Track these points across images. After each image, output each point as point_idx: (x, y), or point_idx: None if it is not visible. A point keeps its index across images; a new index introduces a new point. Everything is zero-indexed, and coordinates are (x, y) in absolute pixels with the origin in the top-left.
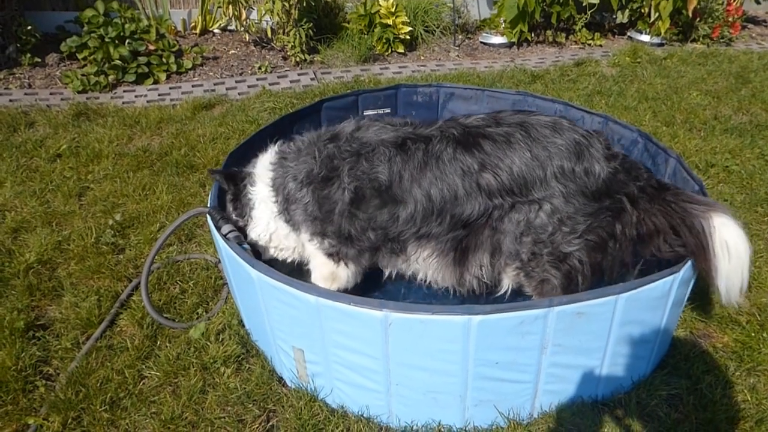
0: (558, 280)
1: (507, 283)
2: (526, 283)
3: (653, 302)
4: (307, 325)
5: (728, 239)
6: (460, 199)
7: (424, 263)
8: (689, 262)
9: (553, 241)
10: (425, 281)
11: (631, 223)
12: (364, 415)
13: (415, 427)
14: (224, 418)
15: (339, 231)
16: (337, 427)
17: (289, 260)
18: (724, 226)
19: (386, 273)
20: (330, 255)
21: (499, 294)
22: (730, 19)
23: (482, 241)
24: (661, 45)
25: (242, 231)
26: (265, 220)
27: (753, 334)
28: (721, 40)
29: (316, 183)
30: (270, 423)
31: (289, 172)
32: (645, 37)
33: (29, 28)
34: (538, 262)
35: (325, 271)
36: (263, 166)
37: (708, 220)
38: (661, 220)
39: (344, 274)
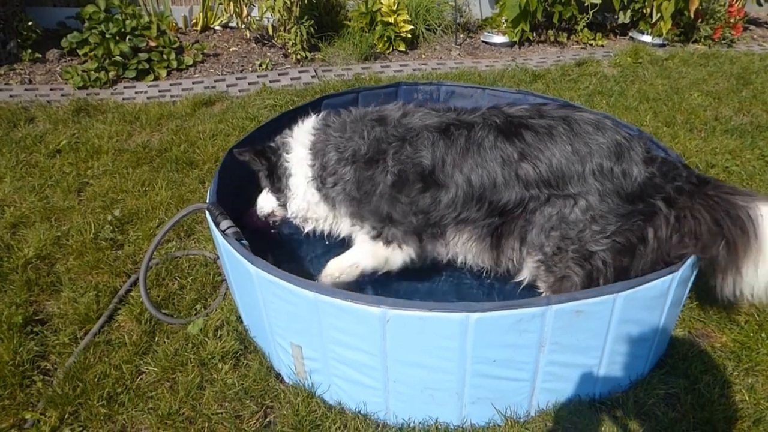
0: (579, 278)
1: (526, 274)
2: (544, 278)
3: (652, 301)
4: (305, 322)
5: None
6: (499, 187)
7: (463, 247)
8: (688, 261)
9: (581, 238)
10: (465, 264)
11: (666, 226)
12: (362, 412)
13: (412, 424)
14: (221, 413)
15: (377, 211)
16: (334, 424)
17: (326, 233)
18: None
19: (425, 259)
20: (375, 238)
21: (517, 281)
22: (732, 20)
23: (514, 230)
24: (662, 46)
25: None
26: (302, 188)
27: (751, 334)
28: (723, 42)
29: (360, 163)
30: (267, 419)
31: (331, 141)
32: (647, 38)
33: (30, 23)
34: (561, 258)
35: (378, 251)
36: (304, 130)
37: (754, 209)
38: (703, 214)
39: (398, 258)
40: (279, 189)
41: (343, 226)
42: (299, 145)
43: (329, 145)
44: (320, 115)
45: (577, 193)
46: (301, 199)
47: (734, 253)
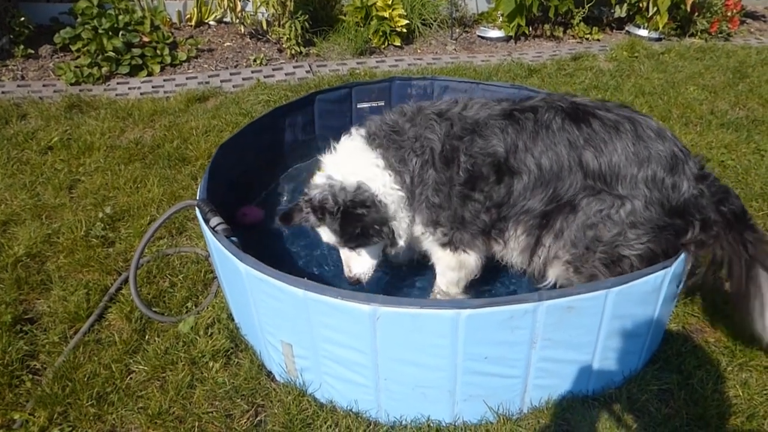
0: (606, 278)
1: (552, 276)
2: (575, 279)
3: (644, 297)
4: (295, 319)
5: None
6: (564, 172)
7: (515, 242)
8: (681, 257)
9: (614, 242)
10: (509, 262)
11: (695, 246)
12: (353, 410)
13: (404, 422)
14: (212, 412)
15: (453, 216)
16: (325, 422)
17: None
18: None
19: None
20: (444, 245)
21: (543, 286)
22: (729, 13)
23: (557, 220)
24: (659, 40)
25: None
26: (400, 216)
27: None
28: (720, 35)
29: (439, 164)
30: (258, 418)
31: (405, 145)
32: (643, 32)
33: (22, 19)
34: (588, 257)
35: (450, 260)
36: (358, 156)
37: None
38: (726, 252)
39: (470, 259)
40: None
41: (414, 230)
42: (368, 172)
43: (403, 151)
44: (355, 132)
45: (626, 195)
46: (404, 226)
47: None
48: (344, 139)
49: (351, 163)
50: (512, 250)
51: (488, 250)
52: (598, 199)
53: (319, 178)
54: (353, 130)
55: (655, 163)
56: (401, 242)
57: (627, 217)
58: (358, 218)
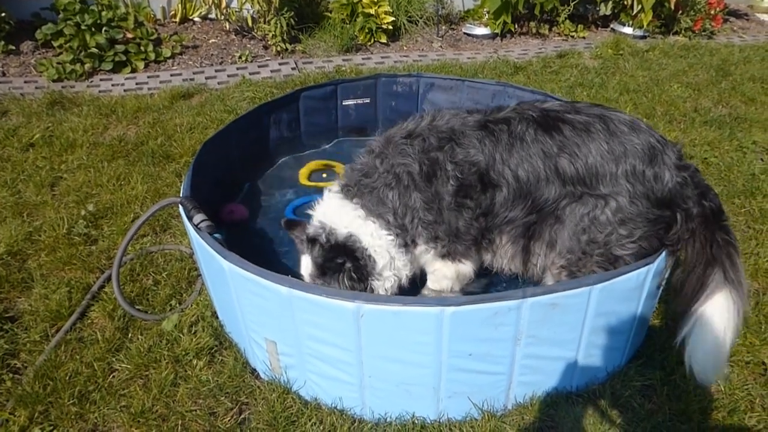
0: None
1: (550, 280)
2: None
3: (627, 293)
4: (279, 317)
5: (706, 321)
6: (541, 182)
7: (503, 250)
8: (663, 253)
9: (608, 242)
10: (501, 269)
11: (674, 241)
12: (338, 408)
13: (388, 419)
14: (196, 411)
15: (450, 227)
16: (309, 420)
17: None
18: (717, 308)
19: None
20: (444, 257)
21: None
22: (712, 12)
23: (544, 230)
24: (643, 37)
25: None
26: (387, 258)
27: None
28: (703, 33)
29: (421, 183)
30: (242, 415)
31: (377, 183)
32: (628, 30)
33: (3, 14)
34: (585, 262)
35: (448, 271)
36: (338, 211)
37: (715, 288)
38: (695, 250)
39: (466, 269)
40: (364, 282)
41: (416, 251)
42: (366, 237)
43: (377, 191)
44: (330, 190)
45: (608, 194)
46: (389, 272)
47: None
48: (325, 196)
49: (338, 217)
50: (501, 258)
51: (480, 258)
52: (581, 203)
53: (312, 225)
54: (326, 190)
55: (632, 156)
56: (403, 280)
57: (614, 215)
58: (338, 267)
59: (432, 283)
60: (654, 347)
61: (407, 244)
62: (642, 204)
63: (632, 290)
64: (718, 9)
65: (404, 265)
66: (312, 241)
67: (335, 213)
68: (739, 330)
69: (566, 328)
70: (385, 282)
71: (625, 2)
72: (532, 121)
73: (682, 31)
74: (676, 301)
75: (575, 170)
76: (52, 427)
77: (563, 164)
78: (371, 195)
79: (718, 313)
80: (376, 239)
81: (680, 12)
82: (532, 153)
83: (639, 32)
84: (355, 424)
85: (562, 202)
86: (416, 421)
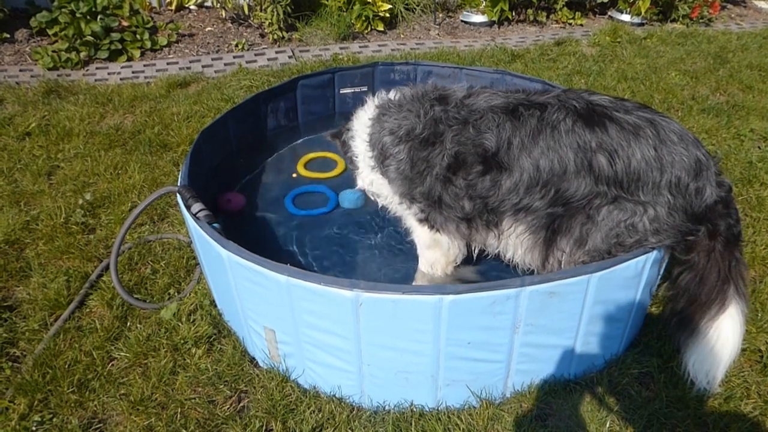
0: None
1: None
2: None
3: (626, 282)
4: (278, 305)
5: (724, 331)
6: (569, 175)
7: (517, 240)
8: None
9: (633, 246)
10: (513, 260)
11: (686, 249)
12: (336, 396)
13: (387, 407)
14: (195, 399)
15: (429, 194)
16: (308, 408)
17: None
18: (733, 321)
19: (472, 250)
20: (421, 221)
21: None
22: None
23: (573, 226)
24: (641, 25)
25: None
26: (366, 173)
27: None
28: (701, 21)
29: (415, 142)
30: (241, 404)
31: (385, 127)
32: (625, 17)
33: None
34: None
35: (425, 237)
36: (361, 122)
37: (730, 301)
38: (712, 265)
39: (444, 240)
40: (355, 167)
41: (392, 203)
42: (359, 139)
43: (383, 132)
44: (378, 101)
45: (648, 202)
46: (366, 179)
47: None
48: (366, 106)
49: (354, 125)
50: (514, 247)
51: (472, 238)
52: (618, 207)
53: None
54: (375, 100)
55: (678, 168)
56: (360, 181)
57: (651, 224)
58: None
59: (420, 260)
60: (651, 335)
61: (386, 177)
62: (679, 216)
63: (631, 278)
64: None
65: (380, 186)
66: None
67: (358, 123)
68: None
69: (564, 316)
70: (360, 178)
71: None
72: (573, 112)
73: (680, 19)
74: (685, 304)
75: (614, 171)
76: (51, 415)
77: (600, 161)
78: (380, 132)
79: (733, 325)
80: (361, 155)
81: None
82: (563, 143)
83: (637, 19)
84: (354, 412)
85: (595, 201)
86: (414, 409)
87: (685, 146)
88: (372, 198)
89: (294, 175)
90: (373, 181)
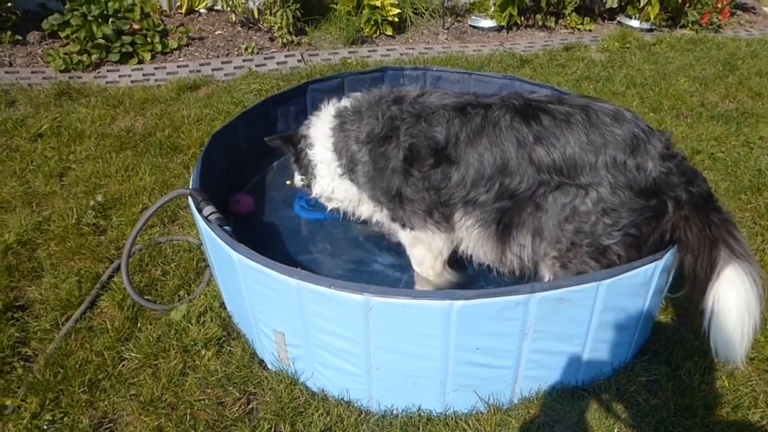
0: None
1: (547, 275)
2: (562, 275)
3: (635, 289)
4: (287, 309)
5: (723, 297)
6: (511, 168)
7: (467, 232)
8: (671, 250)
9: (594, 232)
10: (468, 253)
11: (667, 228)
12: (345, 399)
13: (395, 411)
14: (204, 400)
15: (390, 190)
16: (317, 411)
17: (349, 214)
18: (731, 284)
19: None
20: (393, 220)
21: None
22: (719, 5)
23: (525, 219)
24: (650, 31)
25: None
26: (329, 178)
27: None
28: (710, 27)
29: (375, 142)
30: (250, 405)
31: (351, 135)
32: (634, 23)
33: (9, 4)
34: (576, 253)
35: (404, 236)
36: (320, 130)
37: (724, 264)
38: (694, 234)
39: (422, 235)
40: (305, 173)
41: (365, 208)
42: (320, 147)
43: (350, 140)
44: (334, 110)
45: (588, 184)
46: (327, 186)
47: (696, 292)
48: (322, 114)
49: (312, 132)
50: (467, 241)
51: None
52: (562, 192)
53: None
54: (332, 108)
55: (612, 147)
56: (316, 188)
57: (595, 206)
58: (290, 148)
59: (413, 265)
60: (660, 343)
61: (355, 182)
62: (624, 194)
63: (640, 286)
64: (725, 2)
65: (346, 190)
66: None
67: (317, 131)
68: (764, 298)
69: (573, 323)
70: (317, 184)
71: None
72: (512, 109)
73: (689, 25)
74: (692, 290)
75: (552, 160)
76: (62, 415)
77: (539, 153)
78: (344, 140)
79: (732, 288)
80: (324, 162)
81: (687, 5)
82: (503, 139)
83: (646, 25)
84: (362, 416)
85: (540, 190)
86: (422, 414)
87: (619, 125)
88: (326, 205)
89: (288, 183)
90: (334, 188)
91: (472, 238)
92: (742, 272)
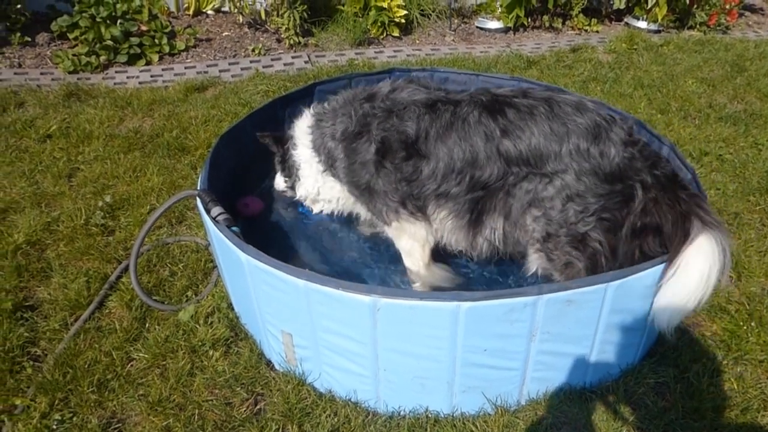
0: (582, 263)
1: (533, 267)
2: (550, 268)
3: (643, 291)
4: (295, 310)
5: (691, 262)
6: (480, 161)
7: (441, 224)
8: None
9: (566, 219)
10: (441, 243)
11: (638, 212)
12: (352, 400)
13: (402, 413)
14: (212, 400)
15: (359, 181)
16: (324, 411)
17: (336, 212)
18: (700, 249)
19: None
20: (375, 214)
21: (526, 276)
22: (728, 6)
23: (496, 204)
24: (657, 32)
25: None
26: (312, 178)
27: (741, 323)
28: (718, 28)
29: (348, 139)
30: (258, 406)
31: (326, 133)
32: (642, 24)
33: (19, 6)
34: (556, 244)
35: (389, 230)
36: (302, 131)
37: (697, 233)
38: (666, 212)
39: (405, 226)
40: (289, 175)
41: (350, 203)
42: (302, 145)
43: (326, 137)
44: (312, 110)
45: (553, 172)
46: (311, 185)
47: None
48: (302, 116)
49: (295, 132)
50: (441, 231)
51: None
52: (528, 181)
53: None
54: (310, 110)
55: (575, 135)
56: (301, 190)
57: (560, 192)
58: (278, 148)
59: (404, 260)
60: (667, 345)
61: (336, 178)
62: (590, 180)
63: (648, 287)
64: (733, 3)
65: (331, 188)
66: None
67: (299, 131)
68: (727, 269)
69: (581, 324)
70: (302, 186)
71: None
72: (479, 105)
73: (697, 26)
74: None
75: (519, 151)
76: (71, 414)
77: (506, 146)
78: (321, 137)
79: (701, 253)
80: (306, 161)
81: (695, 6)
82: (472, 134)
83: (653, 26)
84: (369, 417)
85: (509, 179)
86: (430, 415)
87: (581, 114)
88: (311, 207)
89: None
90: (320, 188)
91: (446, 228)
92: (713, 240)
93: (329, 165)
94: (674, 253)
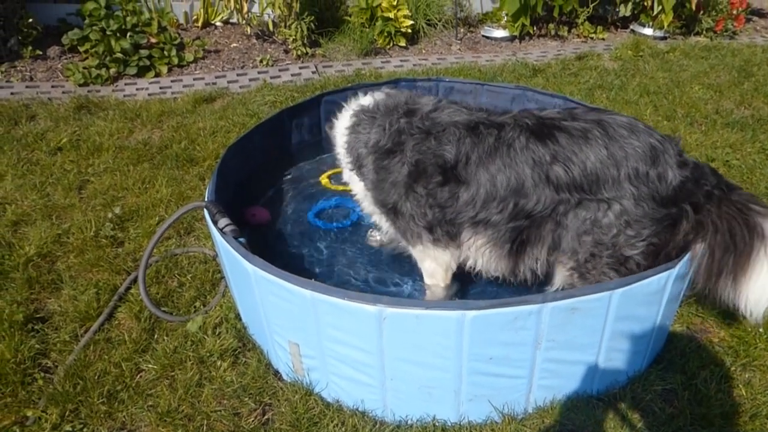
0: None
1: (559, 282)
2: (579, 285)
3: (648, 298)
4: (302, 320)
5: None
6: (527, 190)
7: (477, 252)
8: (685, 258)
9: (615, 243)
10: (474, 269)
11: (685, 233)
12: (359, 410)
13: (409, 422)
14: (220, 411)
15: (385, 200)
16: (332, 421)
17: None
18: None
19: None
20: (402, 234)
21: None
22: (734, 11)
23: (543, 235)
24: (663, 38)
25: None
26: (348, 174)
27: (749, 330)
28: (725, 34)
29: (379, 153)
30: (266, 416)
31: (360, 139)
32: (648, 31)
33: (30, 20)
34: (595, 264)
35: (414, 251)
36: (339, 129)
37: (763, 220)
38: (723, 215)
39: (431, 250)
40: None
41: (371, 209)
42: (338, 146)
43: (359, 143)
44: (352, 110)
45: (612, 198)
46: (346, 175)
47: (737, 261)
48: (342, 115)
49: (334, 132)
50: (473, 258)
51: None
52: (582, 207)
53: None
54: (352, 108)
55: (633, 159)
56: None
57: (618, 219)
58: None
59: (424, 278)
60: (675, 351)
61: (355, 169)
62: (648, 205)
63: (653, 294)
64: (740, 8)
65: (354, 180)
66: None
67: (336, 132)
68: None
69: (586, 332)
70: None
71: (645, 3)
72: (526, 129)
73: (704, 32)
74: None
75: (572, 177)
76: (82, 425)
77: (557, 172)
78: (355, 141)
79: None
80: (342, 159)
81: (701, 12)
82: (519, 160)
83: (659, 33)
84: (377, 426)
85: (560, 208)
86: (437, 424)
87: (636, 137)
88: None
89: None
90: (357, 186)
91: (483, 256)
92: None
93: (357, 167)
94: (749, 248)
